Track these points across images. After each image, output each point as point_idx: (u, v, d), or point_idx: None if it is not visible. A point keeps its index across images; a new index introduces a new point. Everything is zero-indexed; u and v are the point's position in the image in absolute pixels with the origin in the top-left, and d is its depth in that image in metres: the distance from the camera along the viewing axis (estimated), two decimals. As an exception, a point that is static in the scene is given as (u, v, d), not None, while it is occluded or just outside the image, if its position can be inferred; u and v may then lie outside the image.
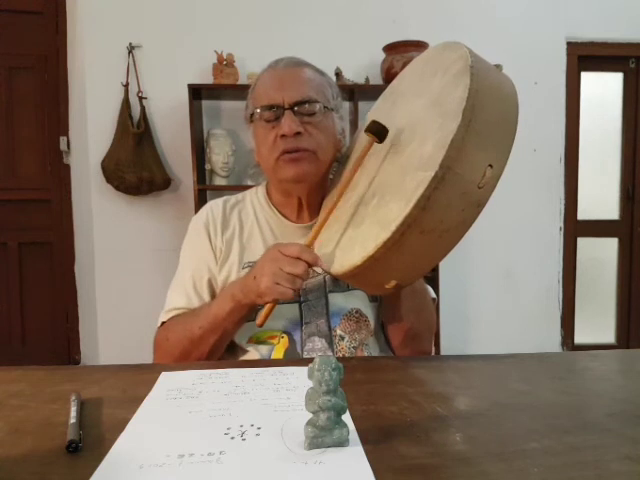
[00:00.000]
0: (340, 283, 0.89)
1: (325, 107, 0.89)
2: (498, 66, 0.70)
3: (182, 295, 0.91)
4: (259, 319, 0.76)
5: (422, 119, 0.70)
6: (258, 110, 0.88)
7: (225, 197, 1.00)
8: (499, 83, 0.67)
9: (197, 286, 0.91)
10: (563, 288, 2.96)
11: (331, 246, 0.77)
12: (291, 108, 0.85)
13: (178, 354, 0.85)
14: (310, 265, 0.74)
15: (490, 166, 0.62)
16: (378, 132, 0.76)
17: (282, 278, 0.73)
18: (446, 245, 0.65)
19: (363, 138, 0.86)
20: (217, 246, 0.93)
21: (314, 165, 0.87)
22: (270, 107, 0.87)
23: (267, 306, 0.76)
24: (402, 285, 0.70)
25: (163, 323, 0.91)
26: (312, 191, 0.92)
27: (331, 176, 0.95)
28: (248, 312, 0.82)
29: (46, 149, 2.65)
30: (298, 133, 0.85)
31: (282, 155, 0.86)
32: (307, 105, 0.86)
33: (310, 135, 0.86)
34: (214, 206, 0.97)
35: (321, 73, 0.93)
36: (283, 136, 0.85)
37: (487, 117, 0.62)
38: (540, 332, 2.94)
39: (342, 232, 0.76)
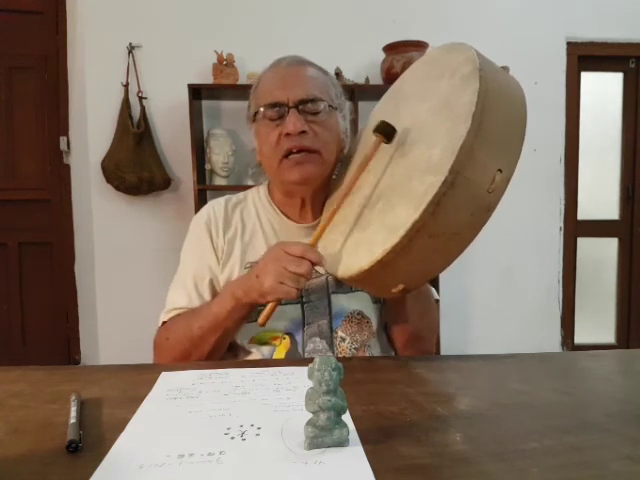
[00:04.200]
0: (343, 284, 0.88)
1: (330, 106, 0.88)
2: (505, 68, 0.68)
3: (183, 295, 0.90)
4: (261, 318, 0.74)
5: (429, 122, 0.69)
6: (262, 109, 0.87)
7: (227, 196, 0.99)
8: (507, 85, 0.66)
9: (198, 286, 0.90)
10: (563, 288, 2.96)
11: (336, 249, 0.75)
12: (296, 107, 0.84)
13: (178, 354, 0.84)
14: (314, 264, 0.73)
15: (500, 170, 0.61)
16: (386, 132, 0.74)
17: (286, 277, 0.71)
18: (455, 249, 0.65)
19: (366, 139, 0.85)
20: (219, 245, 0.92)
21: (319, 166, 0.86)
22: (274, 105, 0.85)
23: (269, 305, 0.74)
24: (409, 289, 0.69)
25: (164, 323, 0.90)
26: (316, 192, 0.91)
27: (334, 177, 0.94)
28: (249, 311, 0.81)
29: (46, 149, 2.65)
30: (303, 132, 0.83)
31: (287, 156, 0.85)
32: (311, 104, 0.85)
33: (315, 134, 0.85)
34: (216, 205, 0.96)
35: (324, 72, 0.92)
36: (288, 135, 0.83)
37: (496, 121, 0.61)
38: (540, 332, 2.94)
39: (347, 235, 0.75)
